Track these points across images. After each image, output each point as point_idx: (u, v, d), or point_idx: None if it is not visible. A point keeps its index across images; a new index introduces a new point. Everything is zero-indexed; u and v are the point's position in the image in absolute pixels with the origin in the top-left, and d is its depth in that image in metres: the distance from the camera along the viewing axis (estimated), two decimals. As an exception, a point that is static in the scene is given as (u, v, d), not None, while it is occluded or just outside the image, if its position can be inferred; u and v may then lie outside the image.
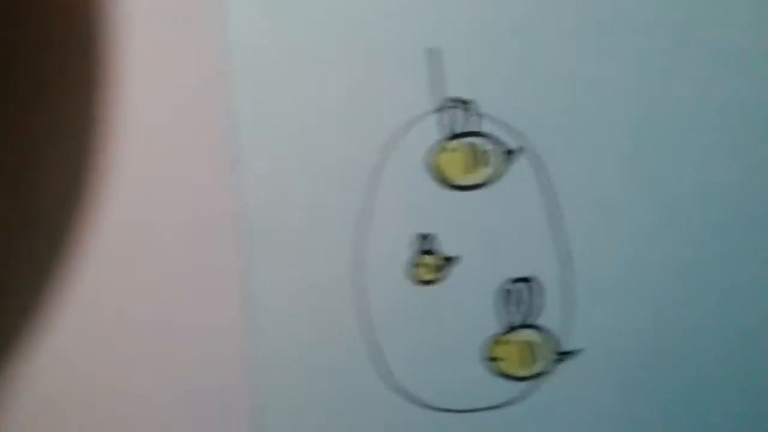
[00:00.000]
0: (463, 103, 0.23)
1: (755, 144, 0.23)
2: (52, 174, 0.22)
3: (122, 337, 0.23)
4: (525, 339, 0.23)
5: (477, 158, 0.23)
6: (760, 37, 0.23)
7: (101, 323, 0.23)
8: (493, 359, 0.23)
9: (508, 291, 0.23)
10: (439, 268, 0.23)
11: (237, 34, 0.23)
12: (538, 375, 0.23)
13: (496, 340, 0.23)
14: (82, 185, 0.22)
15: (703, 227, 0.23)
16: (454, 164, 0.23)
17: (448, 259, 0.23)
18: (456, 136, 0.23)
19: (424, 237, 0.23)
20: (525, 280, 0.23)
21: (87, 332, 0.23)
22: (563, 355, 0.23)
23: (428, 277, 0.23)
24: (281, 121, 0.23)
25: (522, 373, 0.23)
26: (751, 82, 0.23)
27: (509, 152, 0.23)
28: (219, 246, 0.23)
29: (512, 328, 0.23)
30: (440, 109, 0.23)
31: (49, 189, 0.22)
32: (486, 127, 0.23)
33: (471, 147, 0.23)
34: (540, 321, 0.23)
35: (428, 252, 0.23)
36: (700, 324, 0.23)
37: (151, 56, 0.23)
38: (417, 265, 0.23)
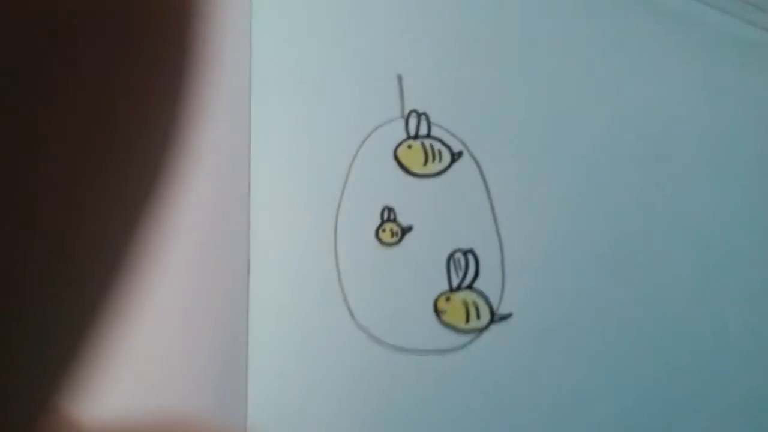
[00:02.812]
0: (421, 114, 0.30)
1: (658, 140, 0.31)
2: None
3: None
4: (465, 298, 0.29)
5: (431, 155, 0.30)
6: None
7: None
8: (439, 311, 0.28)
9: (451, 257, 0.29)
10: (397, 233, 0.29)
11: (260, 59, 0.31)
12: (476, 330, 0.28)
13: (442, 296, 0.29)
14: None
15: (614, 212, 0.30)
16: (414, 158, 0.30)
17: (405, 228, 0.29)
18: (416, 137, 0.30)
19: (388, 209, 0.29)
20: (466, 251, 0.29)
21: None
22: (496, 316, 0.29)
23: (389, 240, 0.29)
24: (292, 126, 0.30)
25: (462, 326, 0.28)
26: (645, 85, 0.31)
27: (456, 154, 0.30)
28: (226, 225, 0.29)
29: (455, 288, 0.29)
30: (405, 118, 0.30)
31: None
32: (437, 132, 0.30)
33: (427, 146, 0.30)
34: (478, 286, 0.29)
35: (390, 220, 0.29)
36: (610, 295, 0.29)
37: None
38: (381, 230, 0.29)
